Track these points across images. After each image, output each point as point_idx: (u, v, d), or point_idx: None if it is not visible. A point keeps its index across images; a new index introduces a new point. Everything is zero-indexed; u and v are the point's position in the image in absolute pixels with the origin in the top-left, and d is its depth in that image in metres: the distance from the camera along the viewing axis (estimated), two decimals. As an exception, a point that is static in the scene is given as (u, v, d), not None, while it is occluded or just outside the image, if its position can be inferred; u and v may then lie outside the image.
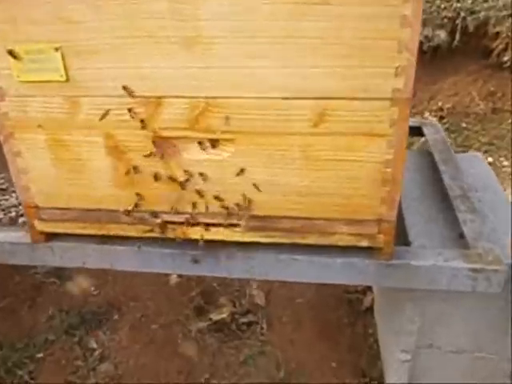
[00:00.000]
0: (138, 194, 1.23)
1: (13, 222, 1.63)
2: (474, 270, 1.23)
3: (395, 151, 1.10)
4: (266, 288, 2.13)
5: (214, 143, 1.15)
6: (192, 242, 1.28)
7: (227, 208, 1.20)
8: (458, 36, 3.27)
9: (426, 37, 3.15)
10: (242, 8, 1.00)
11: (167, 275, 2.18)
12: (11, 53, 1.09)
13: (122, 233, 1.30)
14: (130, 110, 1.13)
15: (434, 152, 1.78)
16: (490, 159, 2.94)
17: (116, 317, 2.03)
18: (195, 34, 1.04)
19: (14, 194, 1.79)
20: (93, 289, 2.16)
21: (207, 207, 1.22)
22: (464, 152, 2.88)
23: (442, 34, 3.28)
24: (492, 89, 3.38)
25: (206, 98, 1.10)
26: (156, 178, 1.20)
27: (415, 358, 1.51)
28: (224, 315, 1.99)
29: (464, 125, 3.26)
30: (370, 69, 1.03)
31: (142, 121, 1.14)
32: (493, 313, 1.39)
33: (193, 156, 1.17)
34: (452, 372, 1.53)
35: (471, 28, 3.28)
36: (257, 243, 1.27)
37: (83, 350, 1.88)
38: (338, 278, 1.28)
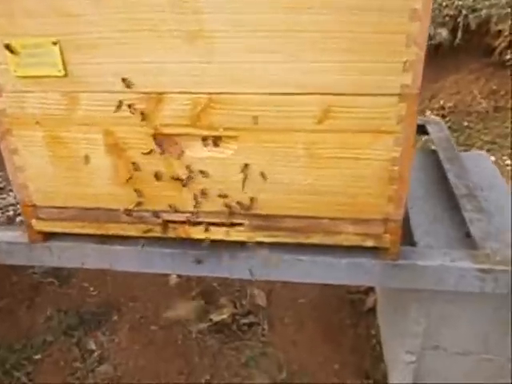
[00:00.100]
0: (138, 193, 1.20)
1: (10, 221, 1.61)
2: (482, 271, 1.21)
3: (403, 149, 1.07)
4: (267, 288, 2.10)
5: (217, 140, 1.12)
6: (193, 242, 1.25)
7: (230, 207, 1.17)
8: (459, 34, 3.24)
9: (428, 35, 3.12)
10: (243, 0, 0.97)
11: (167, 275, 2.15)
12: (8, 47, 1.06)
13: (121, 232, 1.27)
14: (130, 105, 1.10)
15: (439, 150, 1.76)
16: (493, 158, 2.92)
17: (115, 317, 2.00)
18: (197, 28, 1.01)
19: (11, 193, 1.77)
20: (92, 289, 2.13)
21: (209, 206, 1.19)
22: (466, 151, 2.85)
23: (444, 32, 3.25)
24: (494, 87, 3.36)
25: (209, 93, 1.07)
26: (157, 176, 1.17)
27: (420, 359, 1.49)
28: (225, 316, 1.96)
29: (466, 123, 3.23)
30: (378, 64, 1.00)
31: (142, 117, 1.11)
32: (500, 313, 1.36)
33: (195, 154, 1.14)
34: (458, 374, 1.50)
35: (473, 26, 3.26)
36: (260, 243, 1.24)
37: (82, 352, 1.85)
38: (343, 278, 1.25)
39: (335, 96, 1.04)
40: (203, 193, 1.17)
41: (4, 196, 1.76)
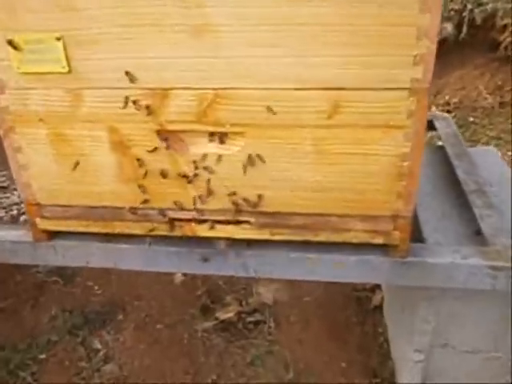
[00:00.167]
0: (143, 190, 1.18)
1: (14, 221, 1.60)
2: (494, 268, 1.19)
3: (413, 144, 1.05)
4: (272, 286, 2.08)
5: (223, 137, 1.10)
6: (199, 240, 1.23)
7: (237, 204, 1.15)
8: (464, 29, 3.21)
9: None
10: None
11: (172, 274, 2.13)
12: (11, 43, 1.05)
13: (126, 231, 1.26)
14: (135, 102, 1.08)
15: (447, 146, 1.73)
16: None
17: (120, 317, 1.99)
18: (202, 22, 0.99)
19: (15, 192, 1.77)
20: (96, 288, 2.12)
21: (216, 204, 1.17)
22: (472, 147, 2.82)
23: (449, 27, 3.22)
24: (499, 82, 3.33)
25: (215, 89, 1.05)
26: (162, 173, 1.15)
27: (429, 357, 1.47)
28: (230, 314, 1.95)
29: (471, 119, 3.20)
30: (388, 57, 0.98)
31: (147, 114, 1.09)
32: (509, 311, 1.34)
33: (201, 150, 1.12)
34: (467, 372, 1.48)
35: (478, 20, 3.23)
36: (267, 241, 1.22)
37: (87, 351, 1.84)
38: (352, 276, 1.23)
39: (344, 91, 1.02)
40: (209, 190, 1.16)
41: (8, 195, 1.75)
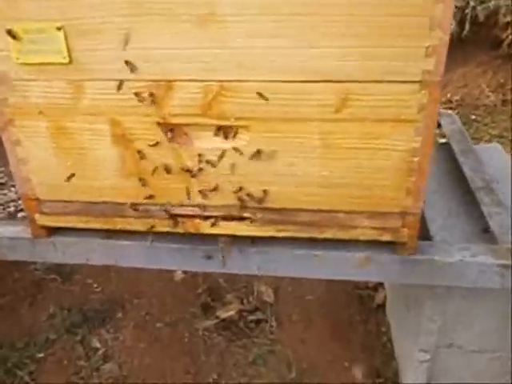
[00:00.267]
0: (144, 185, 1.15)
1: (11, 218, 1.58)
2: (504, 266, 1.16)
3: (423, 138, 1.03)
4: (274, 284, 2.05)
5: (228, 130, 1.07)
6: (202, 237, 1.20)
7: (242, 200, 1.13)
8: (467, 26, 3.18)
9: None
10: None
11: (172, 271, 2.10)
12: (10, 32, 1.01)
13: (128, 227, 1.23)
14: (137, 94, 1.05)
15: (452, 143, 1.71)
16: (501, 152, 2.87)
17: (119, 315, 1.96)
18: (207, 12, 0.96)
19: (12, 189, 1.74)
20: (95, 286, 2.09)
21: (220, 199, 1.14)
22: (475, 144, 2.80)
23: (452, 24, 3.19)
24: (502, 80, 3.31)
25: (220, 81, 1.02)
26: (165, 168, 1.12)
27: (434, 357, 1.45)
28: (232, 313, 1.92)
29: (473, 117, 3.18)
30: (399, 49, 0.95)
31: (150, 106, 1.06)
32: (510, 309, 1.32)
33: (205, 144, 1.09)
34: (473, 372, 1.46)
35: (481, 18, 3.20)
36: (271, 238, 1.19)
37: (86, 350, 1.81)
38: (358, 274, 1.21)
39: (353, 83, 0.99)
40: (213, 185, 1.13)
41: (5, 192, 1.73)
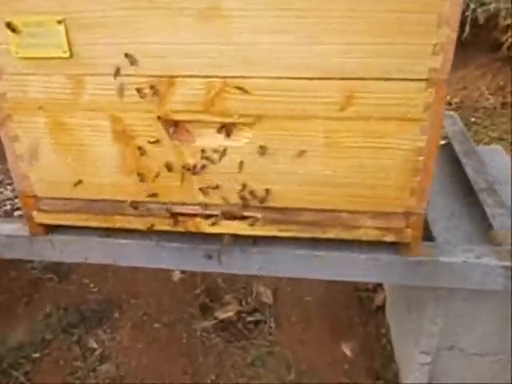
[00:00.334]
0: (145, 182, 1.13)
1: (7, 216, 1.55)
2: (507, 268, 1.15)
3: (428, 137, 1.01)
4: (273, 285, 2.03)
5: (231, 128, 1.05)
6: (204, 236, 1.19)
7: (244, 199, 1.11)
8: (467, 28, 3.18)
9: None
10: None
11: (170, 271, 2.08)
12: (9, 25, 0.99)
13: (127, 225, 1.21)
14: (138, 90, 1.03)
15: (454, 144, 1.70)
16: (501, 154, 2.86)
17: (116, 315, 1.93)
18: (210, 6, 0.94)
19: (9, 187, 1.73)
20: (92, 285, 2.06)
21: (222, 198, 1.13)
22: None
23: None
24: (501, 83, 3.30)
25: (224, 77, 1.00)
26: (166, 165, 1.10)
27: (436, 360, 1.43)
28: (230, 314, 1.90)
29: (473, 119, 3.17)
30: (406, 46, 0.94)
31: (152, 103, 1.04)
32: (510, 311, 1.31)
33: (207, 142, 1.08)
34: (475, 375, 1.45)
35: (481, 20, 3.20)
36: (273, 237, 1.18)
37: (82, 350, 1.78)
38: (361, 275, 1.19)
39: (358, 81, 0.98)
40: (215, 183, 1.11)
41: (1, 190, 1.71)
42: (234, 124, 1.05)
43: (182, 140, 1.08)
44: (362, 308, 1.96)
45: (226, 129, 1.05)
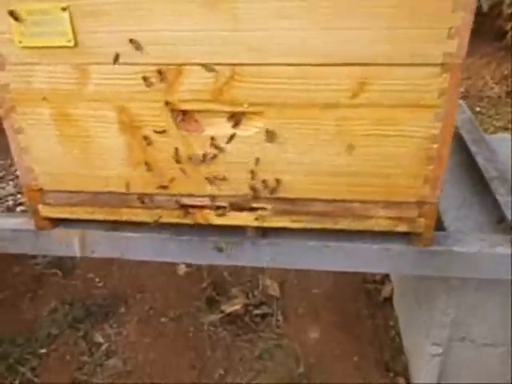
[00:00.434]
0: (152, 173, 1.11)
1: (10, 212, 1.53)
2: (522, 257, 1.13)
3: (443, 125, 0.99)
4: (280, 278, 2.02)
5: (241, 117, 1.03)
6: (213, 228, 1.16)
7: (254, 189, 1.09)
8: (471, 17, 3.13)
9: None
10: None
11: (175, 265, 2.06)
12: (12, 14, 0.97)
13: (134, 218, 1.19)
14: (145, 78, 1.01)
15: (463, 132, 1.67)
16: (506, 144, 2.83)
17: (123, 309, 1.92)
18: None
19: (11, 182, 1.71)
20: (97, 280, 2.05)
21: (231, 189, 1.10)
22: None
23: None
24: (506, 72, 3.27)
25: (232, 65, 0.98)
26: (174, 156, 1.08)
27: (447, 351, 1.41)
28: (237, 307, 1.88)
29: (478, 109, 3.14)
30: (419, 30, 0.91)
31: (159, 92, 1.01)
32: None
33: (216, 132, 1.05)
34: (487, 366, 1.43)
35: (485, 8, 3.16)
36: (283, 229, 1.16)
37: (89, 345, 1.77)
38: (373, 266, 1.17)
39: (371, 67, 0.95)
40: (224, 174, 1.09)
41: (3, 185, 1.69)
42: (243, 113, 1.03)
43: (190, 130, 1.06)
44: (369, 300, 1.94)
45: (236, 118, 1.03)
